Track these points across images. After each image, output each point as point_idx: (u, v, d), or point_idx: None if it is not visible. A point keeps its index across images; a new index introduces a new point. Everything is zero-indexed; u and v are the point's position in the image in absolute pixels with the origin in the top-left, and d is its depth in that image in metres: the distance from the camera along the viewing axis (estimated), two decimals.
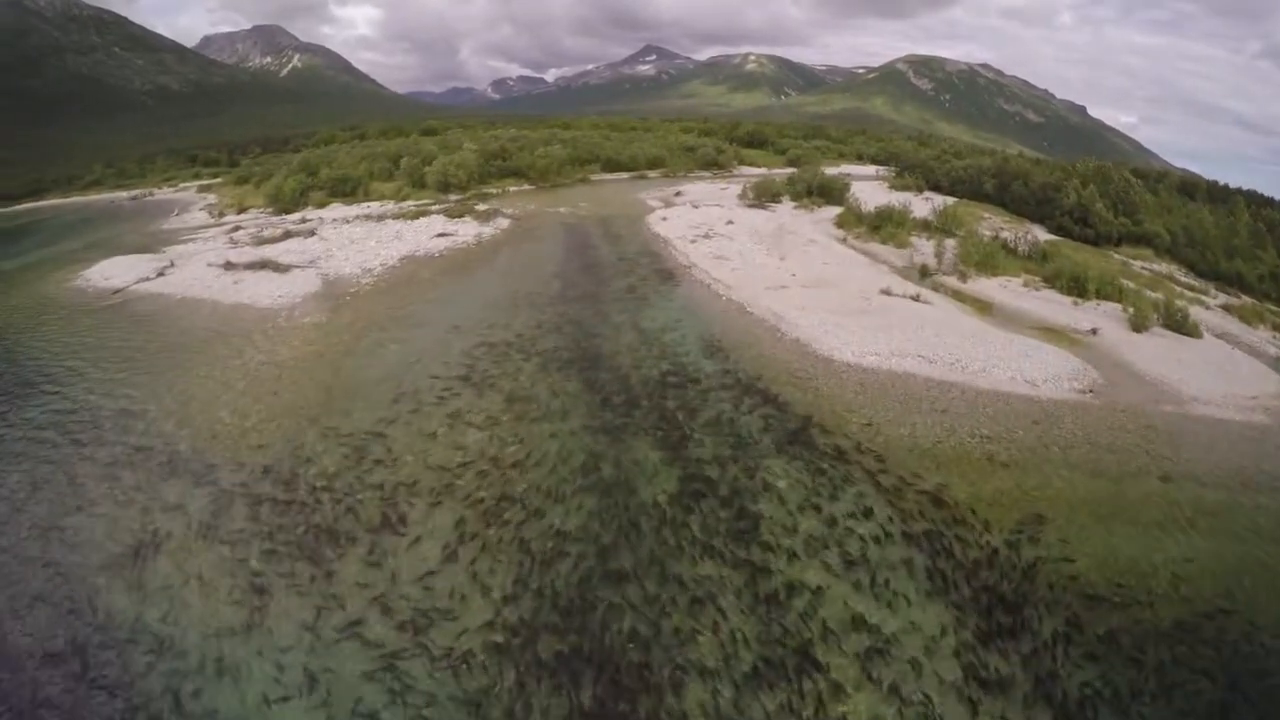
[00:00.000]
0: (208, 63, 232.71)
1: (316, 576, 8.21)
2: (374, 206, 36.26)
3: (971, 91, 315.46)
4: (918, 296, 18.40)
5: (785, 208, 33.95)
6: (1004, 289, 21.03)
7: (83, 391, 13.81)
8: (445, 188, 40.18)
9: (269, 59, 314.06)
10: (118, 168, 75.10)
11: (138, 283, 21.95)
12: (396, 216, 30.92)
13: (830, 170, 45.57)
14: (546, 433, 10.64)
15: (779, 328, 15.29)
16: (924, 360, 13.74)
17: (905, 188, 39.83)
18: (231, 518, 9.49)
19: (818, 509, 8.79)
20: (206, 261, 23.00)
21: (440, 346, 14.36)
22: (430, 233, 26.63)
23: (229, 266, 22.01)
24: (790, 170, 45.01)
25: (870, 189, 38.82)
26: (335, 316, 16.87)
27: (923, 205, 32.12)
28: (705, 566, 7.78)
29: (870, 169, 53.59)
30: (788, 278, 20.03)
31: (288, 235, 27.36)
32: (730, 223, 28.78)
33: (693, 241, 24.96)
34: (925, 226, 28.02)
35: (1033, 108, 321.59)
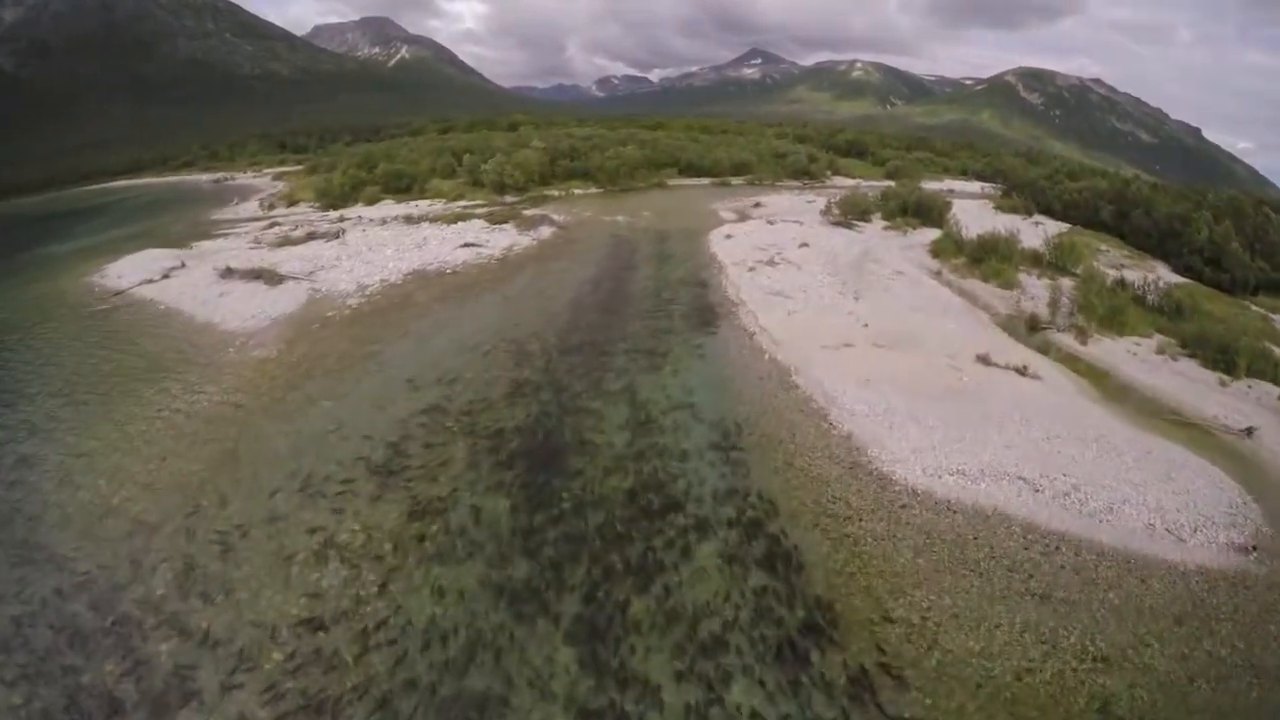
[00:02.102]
0: (316, 51, 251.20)
1: None
2: (422, 206, 35.24)
3: (1083, 108, 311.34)
4: (1025, 368, 14.08)
5: (873, 228, 29.56)
6: (1133, 356, 16.33)
7: (2, 429, 12.52)
8: (501, 188, 38.67)
9: (377, 50, 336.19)
10: (210, 150, 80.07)
11: (141, 284, 21.35)
12: (435, 219, 29.36)
13: (931, 185, 41.37)
14: (430, 583, 7.67)
15: (828, 414, 11.59)
16: (1026, 487, 9.66)
17: (1012, 209, 35.63)
18: (28, 644, 7.56)
19: None
20: (213, 265, 22.05)
21: (375, 410, 11.82)
22: (457, 242, 24.64)
23: (227, 274, 20.84)
24: (888, 184, 40.82)
25: (974, 209, 34.26)
26: (288, 351, 14.82)
27: (1032, 231, 27.60)
28: None
29: (975, 186, 49.06)
30: (857, 330, 16.13)
31: (311, 237, 26.30)
32: (804, 245, 24.93)
33: (751, 269, 21.41)
34: (1035, 260, 23.65)
35: (1145, 128, 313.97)
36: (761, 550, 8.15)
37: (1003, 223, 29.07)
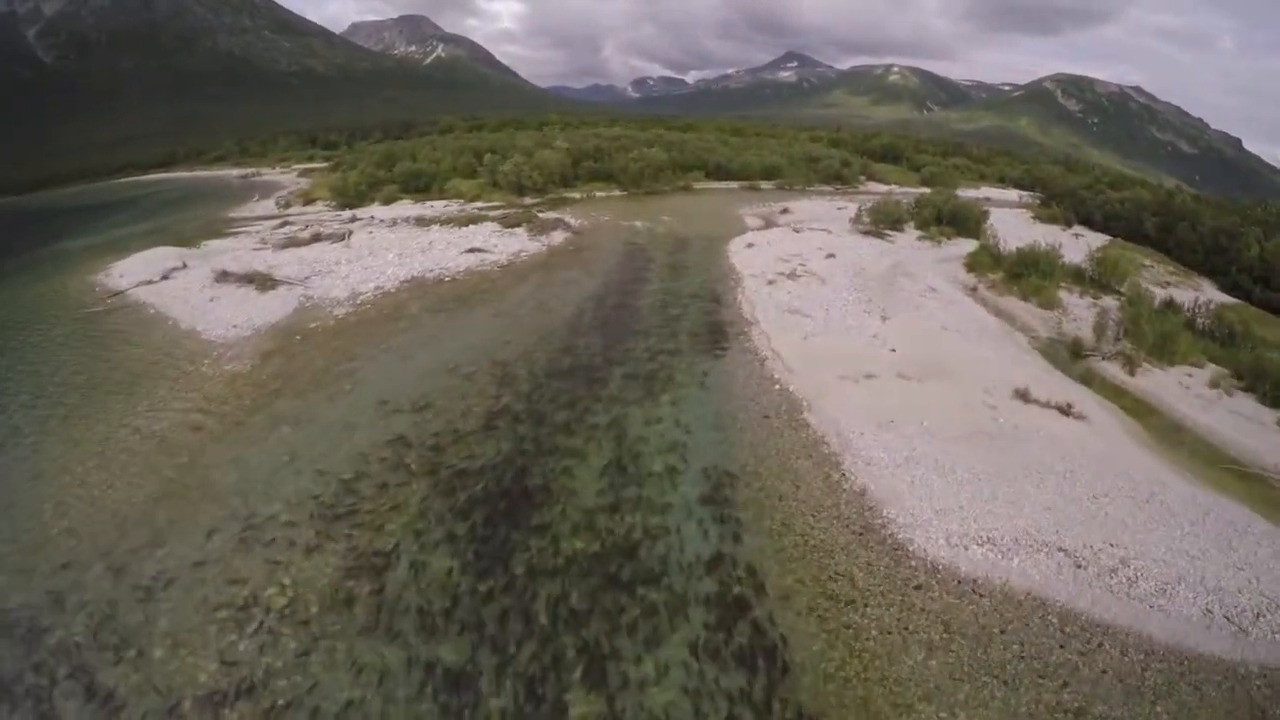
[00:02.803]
0: (354, 49, 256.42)
1: None
2: (437, 207, 34.68)
3: (1122, 116, 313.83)
4: (1069, 408, 12.60)
5: (906, 238, 28.11)
6: (1184, 390, 14.85)
7: None
8: (520, 189, 37.93)
9: (414, 48, 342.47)
10: (243, 146, 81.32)
11: (139, 285, 21.06)
12: (446, 222, 28.68)
13: (968, 193, 40.40)
14: (352, 658, 6.69)
15: (840, 462, 10.30)
16: (1067, 562, 8.27)
17: (1052, 220, 34.82)
18: None
19: None
20: (211, 267, 21.58)
21: (336, 439, 10.93)
22: (463, 246, 23.87)
23: (223, 278, 20.34)
24: (923, 190, 39.52)
25: (1011, 219, 33.27)
26: (262, 365, 14.09)
27: (1072, 244, 26.61)
28: None
29: (1013, 194, 47.97)
30: (882, 356, 14.77)
31: (316, 239, 25.80)
32: (830, 256, 23.62)
33: (771, 283, 20.17)
34: (1077, 276, 22.56)
35: (1185, 137, 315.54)
36: (743, 641, 6.92)
37: (1041, 234, 27.98)
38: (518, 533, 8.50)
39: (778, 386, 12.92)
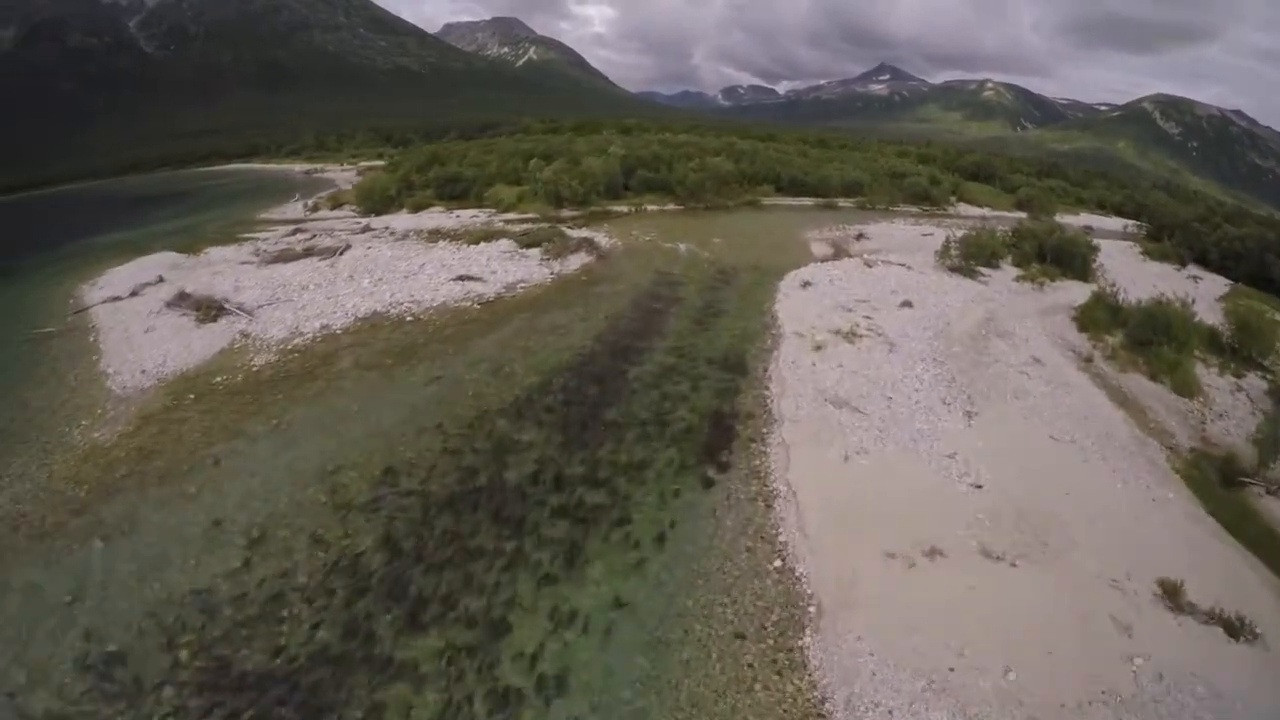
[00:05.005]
0: (447, 49, 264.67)
1: None
2: (464, 217, 32.19)
3: (1222, 140, 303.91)
4: (1240, 624, 7.88)
5: (1002, 277, 23.13)
6: None
7: None
8: (558, 200, 34.88)
9: (506, 49, 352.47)
10: (319, 140, 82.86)
11: (105, 302, 19.44)
12: (458, 237, 25.81)
13: (1067, 219, 35.94)
14: None
15: None
16: None
17: (1164, 256, 30.67)
18: None
19: None
20: (178, 286, 19.57)
21: (137, 579, 7.88)
22: (457, 271, 20.81)
23: (177, 301, 18.14)
24: (1018, 215, 35.70)
25: (1118, 254, 28.78)
26: (132, 436, 11.29)
27: (1190, 289, 22.41)
28: None
29: (1114, 222, 42.43)
30: (960, 499, 10.09)
31: (309, 253, 23.48)
32: (906, 304, 19.09)
33: (818, 347, 15.82)
34: (1210, 340, 17.80)
35: None
36: None
37: (1155, 275, 24.16)
38: None
39: (778, 564, 8.58)
